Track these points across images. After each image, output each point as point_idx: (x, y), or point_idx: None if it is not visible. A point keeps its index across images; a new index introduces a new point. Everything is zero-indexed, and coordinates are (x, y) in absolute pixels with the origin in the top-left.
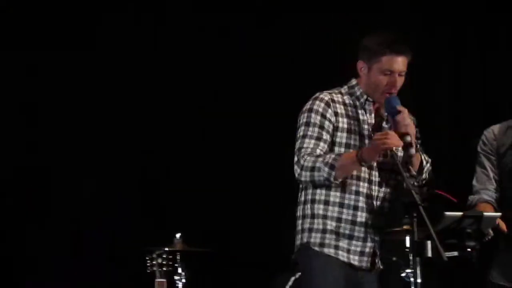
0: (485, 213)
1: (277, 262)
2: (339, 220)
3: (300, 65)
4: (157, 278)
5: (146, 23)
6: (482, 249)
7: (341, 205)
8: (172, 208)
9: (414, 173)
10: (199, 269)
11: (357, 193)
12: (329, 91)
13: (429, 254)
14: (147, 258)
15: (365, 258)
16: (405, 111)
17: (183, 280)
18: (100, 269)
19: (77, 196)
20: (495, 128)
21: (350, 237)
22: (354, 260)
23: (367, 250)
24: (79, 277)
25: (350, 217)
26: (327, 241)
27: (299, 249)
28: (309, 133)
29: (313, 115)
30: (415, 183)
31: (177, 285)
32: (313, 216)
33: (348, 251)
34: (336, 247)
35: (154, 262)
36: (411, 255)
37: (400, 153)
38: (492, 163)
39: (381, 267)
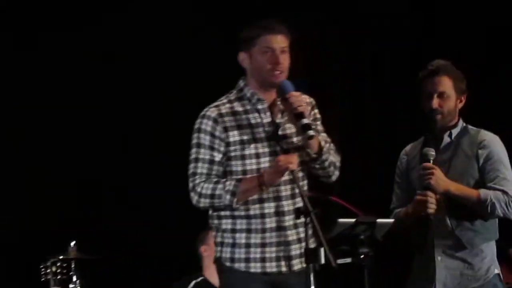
0: (378, 220)
1: (175, 268)
2: (248, 231)
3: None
4: (52, 287)
5: None
6: (375, 255)
7: (248, 216)
8: (67, 215)
9: (313, 155)
10: (94, 277)
11: (261, 200)
12: (216, 104)
13: (322, 261)
14: (41, 266)
15: (283, 263)
16: (297, 93)
17: None
18: None
19: None
20: (409, 146)
21: (263, 245)
22: (272, 267)
23: (282, 254)
24: None
25: (259, 226)
26: (236, 255)
27: (216, 263)
28: (201, 156)
29: (202, 135)
30: (317, 166)
31: None
32: (224, 230)
33: (263, 259)
34: (247, 260)
35: (48, 271)
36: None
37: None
38: (402, 181)
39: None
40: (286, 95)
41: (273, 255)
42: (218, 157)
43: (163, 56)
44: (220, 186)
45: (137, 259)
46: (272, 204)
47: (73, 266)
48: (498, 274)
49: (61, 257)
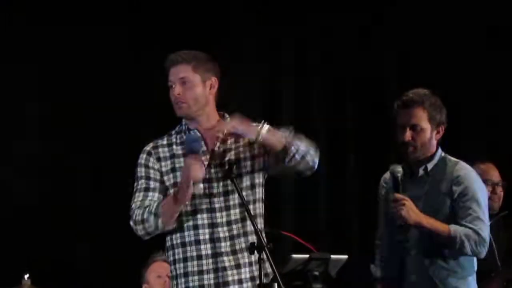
0: (332, 256)
1: None
2: (185, 259)
3: None
4: None
5: None
6: None
7: (183, 244)
8: (21, 248)
9: (280, 156)
10: None
11: (196, 227)
12: (158, 139)
13: None
14: None
15: None
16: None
17: None
18: None
19: None
20: (387, 174)
21: (200, 273)
22: None
23: (220, 280)
24: None
25: (194, 253)
26: (179, 287)
27: None
28: (138, 187)
29: (139, 169)
30: (290, 164)
31: None
32: (171, 262)
33: (202, 287)
34: None
35: None
36: None
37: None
38: (382, 212)
39: None
40: (191, 149)
41: (212, 281)
42: (153, 184)
43: None
44: (147, 210)
45: None
46: (207, 231)
47: None
48: None
49: None
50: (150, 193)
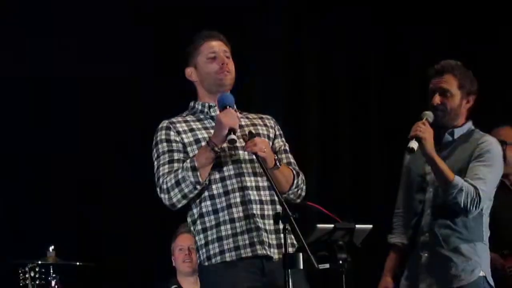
0: (357, 226)
1: (153, 274)
2: (217, 225)
3: None
4: None
5: None
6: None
7: (215, 211)
8: (45, 220)
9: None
10: (72, 282)
11: (227, 192)
12: (170, 118)
13: (301, 266)
14: (19, 271)
15: (258, 247)
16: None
17: None
18: None
19: None
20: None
21: (234, 235)
22: (247, 253)
23: (255, 240)
24: None
25: (227, 217)
26: (211, 252)
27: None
28: (161, 161)
29: (159, 145)
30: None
31: None
32: (198, 232)
33: (237, 248)
34: (222, 252)
35: (26, 276)
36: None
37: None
38: (403, 180)
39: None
40: (226, 107)
41: (247, 241)
42: (177, 155)
43: None
44: (179, 171)
45: (116, 264)
46: (237, 194)
47: (51, 271)
48: (485, 277)
49: (39, 262)
50: (175, 164)
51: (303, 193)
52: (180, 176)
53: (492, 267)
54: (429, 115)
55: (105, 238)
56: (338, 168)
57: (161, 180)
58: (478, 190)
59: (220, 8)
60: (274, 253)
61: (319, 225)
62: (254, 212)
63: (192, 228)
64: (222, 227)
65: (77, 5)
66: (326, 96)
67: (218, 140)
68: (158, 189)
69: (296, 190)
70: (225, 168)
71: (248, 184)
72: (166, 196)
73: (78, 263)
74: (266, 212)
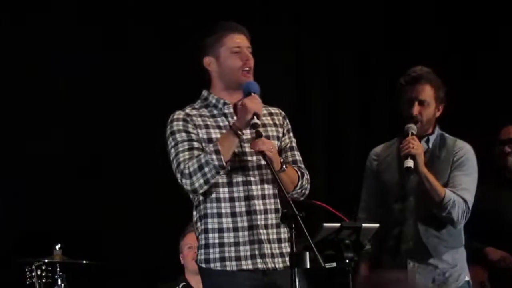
0: (364, 224)
1: (160, 272)
2: (220, 230)
3: None
4: None
5: None
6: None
7: (219, 215)
8: (52, 218)
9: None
10: (79, 281)
11: (232, 199)
12: (184, 109)
13: (308, 265)
14: (26, 269)
15: (258, 260)
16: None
17: None
18: None
19: None
20: (380, 147)
21: (236, 244)
22: (247, 265)
23: (257, 252)
24: None
25: (230, 225)
26: (211, 256)
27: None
28: (180, 149)
29: (177, 135)
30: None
31: None
32: (200, 232)
33: (238, 258)
34: (222, 259)
35: (33, 274)
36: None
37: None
38: (370, 185)
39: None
40: (251, 93)
41: (248, 253)
42: (197, 144)
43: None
44: (202, 154)
45: (122, 263)
46: (243, 203)
47: (58, 269)
48: (468, 282)
49: (46, 260)
50: (195, 151)
51: (307, 192)
52: (203, 160)
53: (504, 265)
54: (413, 128)
55: (111, 237)
56: (344, 166)
57: (182, 165)
58: (467, 202)
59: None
60: (278, 263)
61: (325, 224)
62: (258, 222)
63: (195, 226)
64: (225, 234)
65: None
66: (331, 93)
67: (241, 124)
68: (179, 175)
69: (300, 190)
70: (233, 174)
71: (255, 193)
72: (188, 181)
73: (84, 262)
74: (270, 222)
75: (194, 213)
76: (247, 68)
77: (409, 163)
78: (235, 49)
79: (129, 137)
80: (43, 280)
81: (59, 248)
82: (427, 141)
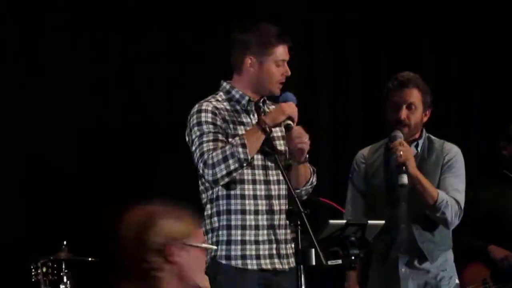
0: (369, 221)
1: None
2: (243, 227)
3: None
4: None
5: None
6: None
7: (243, 211)
8: (58, 215)
9: (295, 163)
10: (85, 278)
11: (255, 197)
12: (208, 99)
13: (313, 262)
14: (31, 267)
15: (276, 260)
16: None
17: None
18: None
19: None
20: (367, 149)
21: (257, 243)
22: (266, 264)
23: (274, 252)
24: None
25: (253, 222)
26: (232, 252)
27: (208, 263)
28: (205, 138)
29: (204, 126)
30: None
31: None
32: (218, 228)
33: (258, 257)
34: (243, 257)
35: (39, 271)
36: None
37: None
38: (359, 188)
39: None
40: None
41: (266, 252)
42: (222, 137)
43: None
44: (228, 146)
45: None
46: (264, 202)
47: (63, 266)
48: (458, 284)
49: (51, 257)
50: (220, 143)
51: (311, 191)
52: (228, 152)
53: (507, 264)
54: (399, 135)
55: (118, 235)
56: (348, 165)
57: (205, 155)
58: (459, 203)
59: None
60: (290, 263)
61: (331, 221)
62: (276, 222)
63: (206, 221)
64: (247, 232)
65: None
66: (337, 89)
67: (271, 122)
68: (201, 165)
69: (310, 187)
70: (256, 172)
71: (273, 192)
72: (211, 171)
73: (90, 259)
74: (283, 222)
75: (208, 207)
76: (282, 83)
77: (404, 179)
78: (280, 62)
79: (135, 137)
80: (49, 278)
81: (65, 245)
82: (416, 146)
